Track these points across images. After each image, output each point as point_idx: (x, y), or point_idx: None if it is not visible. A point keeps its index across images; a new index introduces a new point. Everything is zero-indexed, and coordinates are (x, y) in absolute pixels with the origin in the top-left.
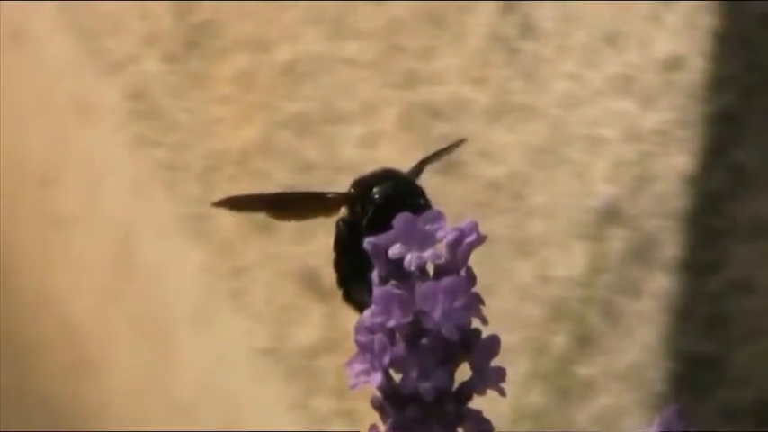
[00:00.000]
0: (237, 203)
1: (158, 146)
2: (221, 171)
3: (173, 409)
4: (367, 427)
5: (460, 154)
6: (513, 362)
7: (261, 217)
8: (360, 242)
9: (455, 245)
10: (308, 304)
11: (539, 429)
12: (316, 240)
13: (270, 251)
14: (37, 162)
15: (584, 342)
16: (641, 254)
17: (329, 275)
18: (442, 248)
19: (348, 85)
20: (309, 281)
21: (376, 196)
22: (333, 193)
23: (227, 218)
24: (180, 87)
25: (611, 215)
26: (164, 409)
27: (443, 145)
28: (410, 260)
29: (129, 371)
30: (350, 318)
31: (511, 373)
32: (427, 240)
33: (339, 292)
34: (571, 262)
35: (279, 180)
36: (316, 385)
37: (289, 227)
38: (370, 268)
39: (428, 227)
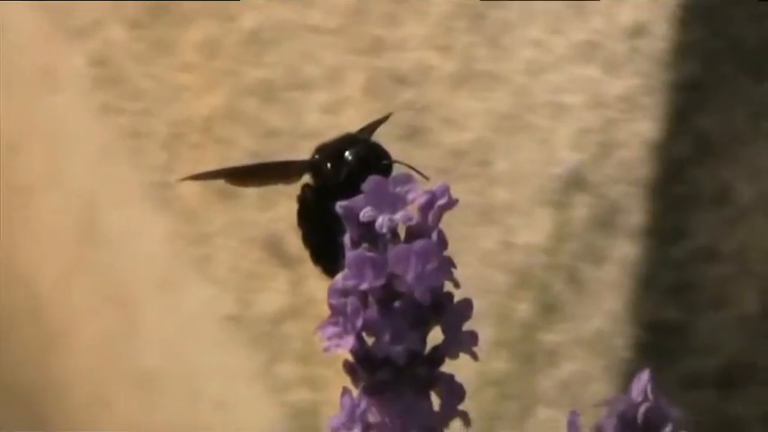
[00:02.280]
0: (200, 177)
1: (123, 113)
2: (186, 138)
3: (138, 377)
4: (331, 393)
5: (425, 120)
6: (477, 328)
7: (225, 185)
8: (328, 207)
9: (427, 207)
10: (273, 271)
11: (502, 395)
12: (280, 207)
13: (234, 218)
14: (1, 130)
15: (549, 309)
16: (606, 221)
17: (294, 242)
18: (413, 211)
19: (313, 51)
20: (274, 247)
21: (349, 158)
22: (293, 161)
23: (192, 186)
24: (145, 54)
25: (575, 182)
26: (129, 378)
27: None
28: (381, 223)
29: (94, 340)
30: (315, 284)
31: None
32: (398, 203)
33: (304, 259)
34: (535, 229)
35: (244, 147)
36: (280, 352)
37: (253, 194)
38: (338, 232)
39: (399, 189)
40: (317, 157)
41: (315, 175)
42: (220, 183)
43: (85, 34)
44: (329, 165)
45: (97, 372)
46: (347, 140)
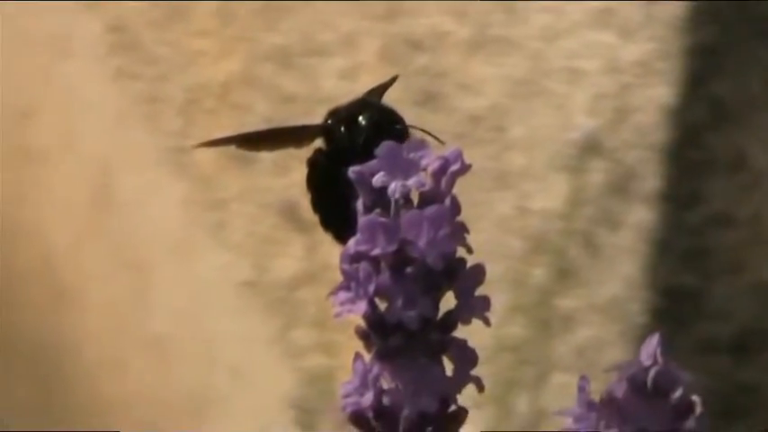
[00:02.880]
0: (214, 144)
1: (138, 79)
2: (202, 104)
3: (151, 341)
4: (346, 359)
5: (441, 86)
6: (493, 294)
7: (241, 151)
8: (339, 171)
9: (439, 173)
10: (289, 236)
11: (519, 360)
12: (296, 173)
13: (250, 184)
14: (16, 95)
15: (565, 274)
16: (621, 186)
17: (309, 208)
18: (426, 177)
19: (328, 17)
20: (290, 213)
21: (364, 122)
22: (304, 125)
23: (207, 152)
24: (160, 20)
25: (590, 147)
26: (141, 342)
27: (423, 77)
28: (394, 188)
29: (106, 303)
30: (330, 250)
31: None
32: (411, 168)
33: (319, 225)
34: (551, 194)
35: (259, 112)
36: (296, 318)
37: (268, 160)
38: (349, 197)
39: (412, 155)
40: (329, 121)
41: (327, 140)
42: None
43: (101, 0)
44: (342, 129)
45: (110, 334)
46: (361, 105)
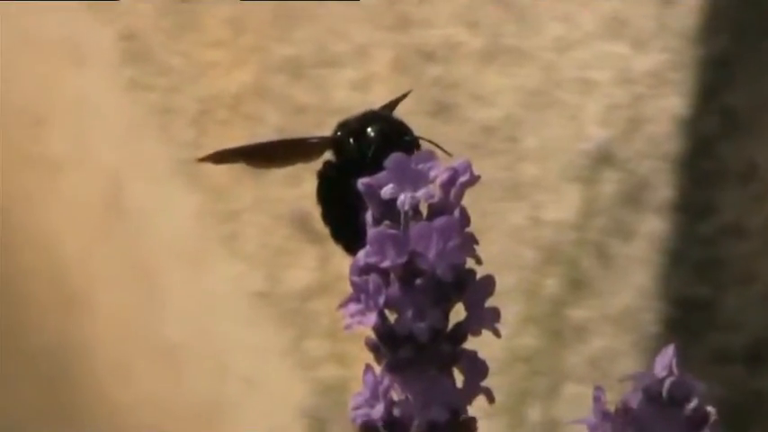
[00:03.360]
0: (221, 157)
1: (151, 89)
2: (214, 115)
3: (162, 351)
4: (359, 370)
5: (453, 97)
6: (506, 304)
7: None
8: (349, 183)
9: (448, 184)
10: (302, 247)
11: (532, 371)
12: (308, 184)
13: (263, 195)
14: (29, 104)
15: (577, 285)
16: (634, 197)
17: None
18: (435, 188)
19: (341, 28)
20: (302, 223)
21: (372, 134)
22: (313, 137)
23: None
24: (173, 30)
25: (603, 158)
26: (152, 351)
27: (436, 88)
28: (403, 200)
29: (118, 312)
30: (343, 261)
31: (504, 316)
32: (420, 180)
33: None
34: (564, 205)
35: (272, 123)
36: (309, 328)
37: (281, 171)
38: (359, 209)
39: (421, 166)
40: (339, 133)
41: (337, 152)
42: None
43: (114, 10)
44: (351, 141)
45: (122, 343)
46: (369, 117)
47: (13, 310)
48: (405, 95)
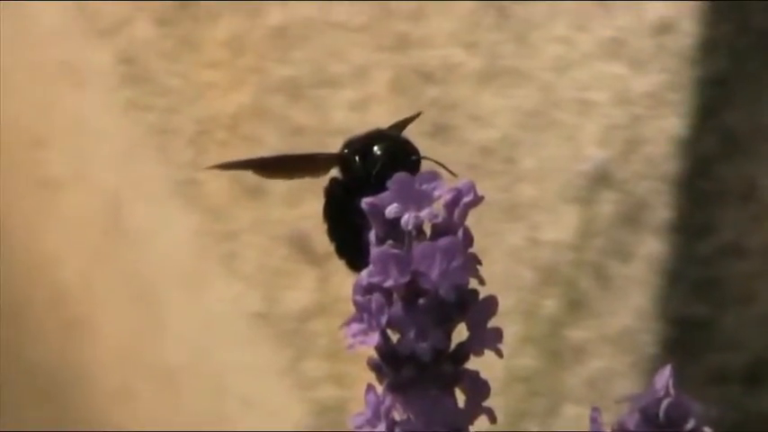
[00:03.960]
0: (228, 167)
1: (150, 110)
2: (213, 135)
3: (162, 373)
4: (358, 390)
5: (451, 118)
6: (504, 325)
7: (252, 182)
8: (354, 201)
9: (452, 205)
10: (300, 268)
11: (530, 392)
12: (307, 204)
13: (261, 215)
14: (28, 125)
15: (576, 306)
16: (632, 217)
17: (321, 239)
18: (439, 208)
19: (339, 48)
20: (301, 245)
21: (378, 153)
22: (321, 153)
23: (218, 182)
24: (171, 51)
25: (601, 178)
26: (152, 373)
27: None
28: (407, 220)
29: (118, 334)
30: (342, 281)
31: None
32: (424, 200)
33: (331, 256)
34: (562, 225)
35: (270, 144)
36: (307, 349)
37: (279, 191)
38: (363, 227)
39: (425, 186)
40: (345, 150)
41: (343, 169)
42: (247, 179)
43: (112, 31)
44: (357, 159)
45: (121, 364)
46: (376, 135)
47: (13, 332)
48: (415, 116)
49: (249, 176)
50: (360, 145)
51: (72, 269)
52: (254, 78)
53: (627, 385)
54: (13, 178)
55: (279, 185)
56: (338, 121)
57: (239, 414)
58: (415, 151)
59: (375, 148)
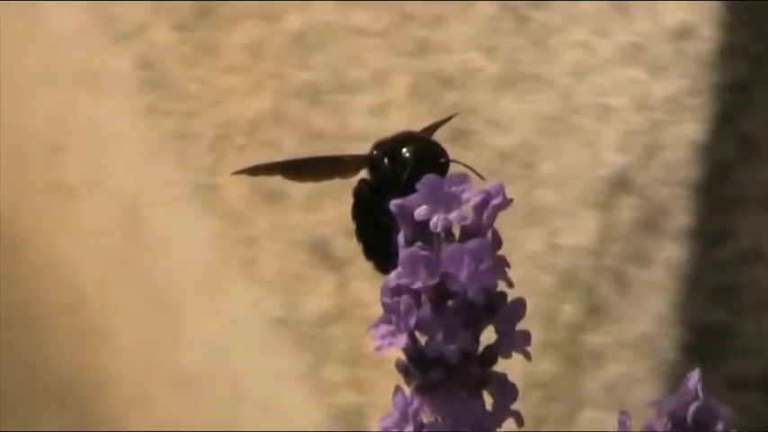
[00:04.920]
0: (255, 171)
1: (169, 115)
2: (232, 140)
3: (181, 378)
4: (377, 396)
5: (470, 123)
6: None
7: (271, 186)
8: (383, 203)
9: (481, 207)
10: (319, 273)
11: (549, 397)
12: (326, 210)
13: (280, 220)
14: (47, 131)
15: (595, 311)
16: (651, 223)
17: (340, 244)
18: (467, 210)
19: (358, 53)
20: (320, 250)
21: (407, 155)
22: (350, 155)
23: (238, 188)
24: (191, 56)
25: (621, 184)
26: (172, 379)
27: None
28: (436, 222)
29: (137, 340)
30: (361, 287)
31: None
32: (453, 202)
33: (350, 261)
34: (581, 231)
35: (289, 149)
36: (326, 354)
37: (299, 197)
38: (392, 229)
39: (454, 189)
40: (374, 152)
41: (372, 171)
42: (266, 184)
43: (131, 36)
44: (386, 161)
45: (139, 369)
46: (406, 137)
47: (30, 338)
48: (448, 119)
49: (268, 181)
50: (389, 147)
51: (90, 275)
52: (273, 83)
53: (645, 391)
54: (32, 184)
55: (298, 191)
56: (357, 127)
57: (257, 420)
58: (444, 154)
59: (404, 150)
